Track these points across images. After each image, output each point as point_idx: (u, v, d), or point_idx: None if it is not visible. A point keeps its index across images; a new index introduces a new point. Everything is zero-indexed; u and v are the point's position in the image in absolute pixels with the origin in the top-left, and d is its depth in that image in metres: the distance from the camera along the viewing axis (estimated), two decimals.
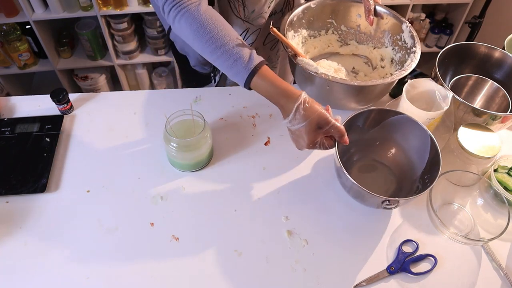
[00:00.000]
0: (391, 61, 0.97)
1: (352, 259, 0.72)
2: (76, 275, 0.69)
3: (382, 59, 0.99)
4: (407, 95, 0.80)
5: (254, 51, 0.73)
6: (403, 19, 0.92)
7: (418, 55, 0.85)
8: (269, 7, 0.94)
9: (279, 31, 0.87)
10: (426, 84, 0.82)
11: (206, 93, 0.99)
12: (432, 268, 0.71)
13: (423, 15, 2.23)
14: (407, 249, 0.73)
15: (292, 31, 0.95)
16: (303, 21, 0.97)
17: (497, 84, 0.93)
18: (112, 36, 2.04)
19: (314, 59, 1.02)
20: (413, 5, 2.07)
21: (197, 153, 0.79)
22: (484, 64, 0.95)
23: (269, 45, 1.08)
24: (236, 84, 1.08)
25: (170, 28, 0.97)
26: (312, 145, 0.70)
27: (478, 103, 0.96)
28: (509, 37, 1.01)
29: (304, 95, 0.69)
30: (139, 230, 0.75)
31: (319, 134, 0.69)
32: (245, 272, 0.70)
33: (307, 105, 0.68)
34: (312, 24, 1.00)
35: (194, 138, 0.76)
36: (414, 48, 0.87)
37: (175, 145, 0.77)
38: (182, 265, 0.71)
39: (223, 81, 1.11)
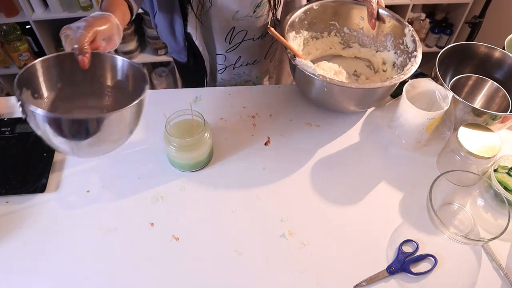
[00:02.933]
0: (393, 65, 0.96)
1: (352, 259, 0.72)
2: (76, 275, 0.69)
3: (384, 63, 0.99)
4: (407, 95, 0.80)
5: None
6: (406, 23, 0.91)
7: (418, 60, 0.85)
8: (254, 12, 0.94)
9: (279, 32, 0.87)
10: (426, 84, 0.82)
11: (206, 93, 0.99)
12: (432, 268, 0.71)
13: (423, 15, 2.23)
14: (407, 249, 0.73)
15: (294, 32, 0.94)
16: (305, 22, 0.97)
17: (497, 84, 0.93)
18: None
19: (316, 61, 1.02)
20: (413, 5, 2.07)
21: (197, 153, 0.79)
22: (484, 64, 0.95)
23: (268, 58, 1.11)
24: (235, 84, 1.09)
25: (155, 13, 0.98)
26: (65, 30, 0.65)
27: (478, 103, 0.96)
28: (509, 37, 1.01)
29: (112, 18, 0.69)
30: (139, 230, 0.75)
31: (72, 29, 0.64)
32: (245, 272, 0.70)
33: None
34: (314, 26, 1.00)
35: (194, 138, 0.76)
36: (415, 53, 0.86)
37: (175, 145, 0.77)
38: (182, 265, 0.71)
39: (213, 78, 1.12)
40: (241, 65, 1.07)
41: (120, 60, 0.68)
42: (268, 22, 0.99)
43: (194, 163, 0.82)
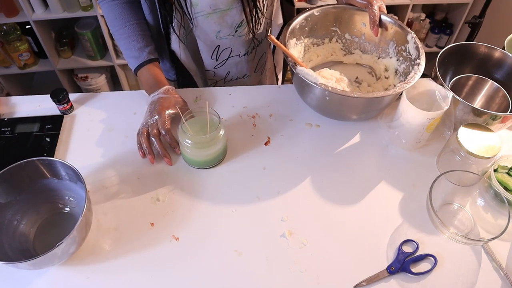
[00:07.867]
0: (395, 72, 0.95)
1: (352, 259, 0.72)
2: (76, 275, 0.69)
3: (386, 70, 0.97)
4: (407, 95, 0.80)
5: (150, 48, 0.92)
6: (409, 29, 0.90)
7: (422, 68, 0.83)
8: (236, 31, 0.95)
9: (278, 39, 0.86)
10: (426, 84, 0.82)
11: (206, 93, 0.99)
12: (432, 268, 0.71)
13: (423, 15, 2.24)
14: (407, 249, 0.73)
15: (294, 38, 0.93)
16: (306, 28, 0.96)
17: (497, 84, 0.93)
18: (112, 36, 2.04)
19: (317, 67, 1.01)
20: (413, 5, 2.07)
21: (211, 150, 0.80)
22: (484, 64, 0.95)
23: (259, 71, 1.12)
24: (236, 85, 1.10)
25: None
26: (145, 129, 0.83)
27: (478, 103, 0.96)
28: (509, 37, 1.01)
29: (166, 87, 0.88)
30: (139, 230, 0.75)
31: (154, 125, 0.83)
32: (245, 272, 0.70)
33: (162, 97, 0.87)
34: (315, 32, 0.98)
35: (209, 135, 0.77)
36: (418, 60, 0.85)
37: (189, 141, 0.77)
38: (182, 265, 0.71)
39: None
40: (231, 79, 1.09)
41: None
42: (250, 41, 1.00)
43: (207, 160, 0.82)
